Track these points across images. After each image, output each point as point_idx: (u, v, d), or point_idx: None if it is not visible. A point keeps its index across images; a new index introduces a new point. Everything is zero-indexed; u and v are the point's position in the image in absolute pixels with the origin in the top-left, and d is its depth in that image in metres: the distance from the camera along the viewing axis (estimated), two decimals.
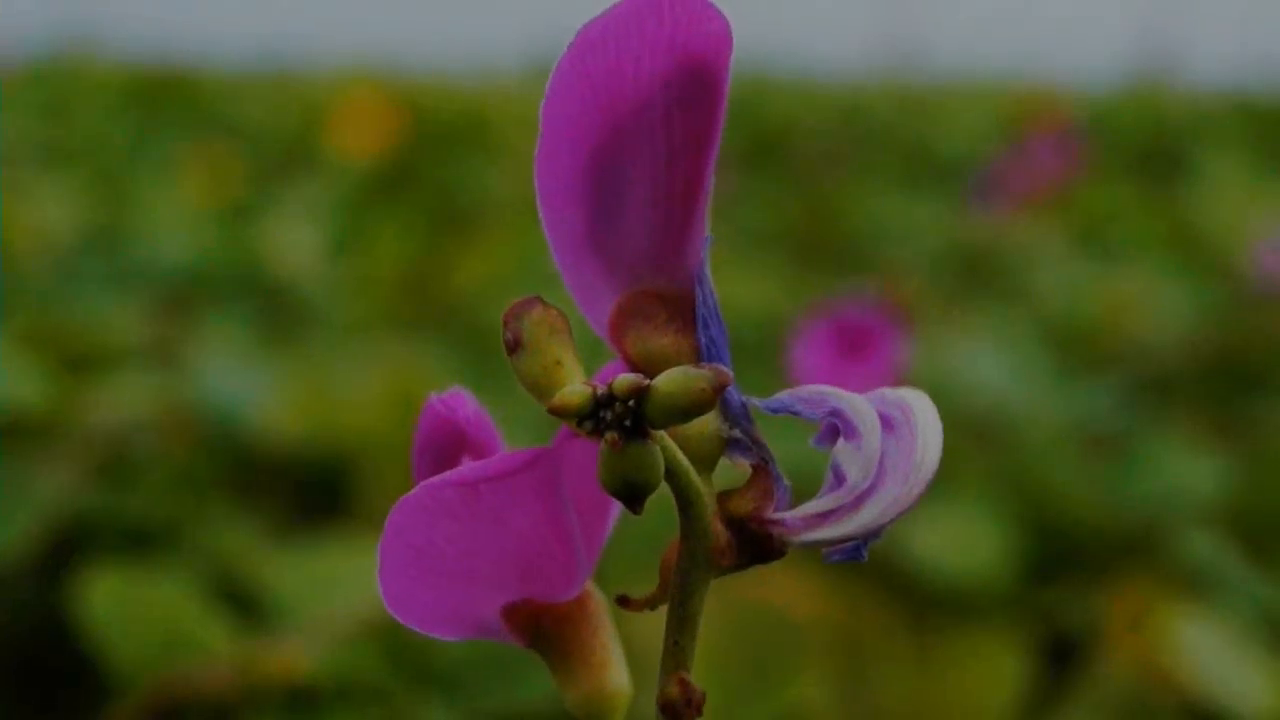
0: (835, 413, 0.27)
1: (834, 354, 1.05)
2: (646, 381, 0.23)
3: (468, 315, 1.60)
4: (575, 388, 0.23)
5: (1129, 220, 2.33)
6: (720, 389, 0.23)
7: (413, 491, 0.27)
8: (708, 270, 0.29)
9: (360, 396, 1.13)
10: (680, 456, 0.26)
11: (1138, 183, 2.70)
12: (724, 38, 0.27)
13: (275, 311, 1.63)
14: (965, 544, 1.03)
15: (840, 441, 0.27)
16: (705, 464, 0.28)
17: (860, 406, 0.27)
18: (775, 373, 1.09)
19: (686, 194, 0.28)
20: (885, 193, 2.55)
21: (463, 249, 1.86)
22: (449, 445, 0.31)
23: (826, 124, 3.26)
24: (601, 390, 0.23)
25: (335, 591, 0.83)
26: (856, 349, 1.05)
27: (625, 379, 0.23)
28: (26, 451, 0.99)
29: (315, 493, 1.11)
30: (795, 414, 0.27)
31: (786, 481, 0.28)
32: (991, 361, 1.37)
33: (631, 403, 0.23)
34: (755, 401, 0.28)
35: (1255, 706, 0.84)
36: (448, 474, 0.27)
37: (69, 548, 0.92)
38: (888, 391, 0.27)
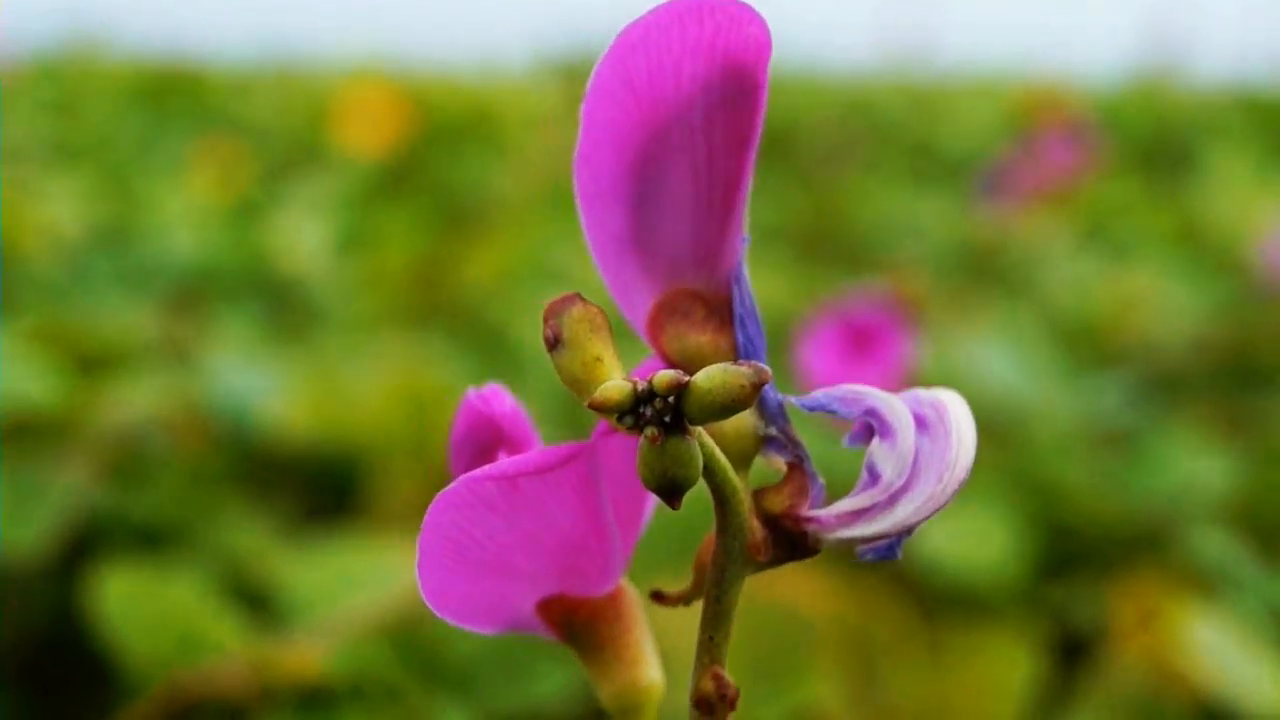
0: (871, 411, 0.27)
1: (842, 352, 1.05)
2: (686, 378, 0.23)
3: (476, 311, 1.61)
4: (616, 383, 0.24)
5: (1136, 216, 2.33)
6: (759, 386, 0.23)
7: (452, 485, 0.27)
8: (745, 270, 0.29)
9: (370, 393, 1.13)
10: (718, 453, 0.26)
11: (1145, 178, 2.70)
12: (764, 40, 0.28)
13: (284, 308, 1.64)
14: (975, 541, 1.03)
15: (875, 440, 0.27)
16: (742, 461, 0.28)
17: (896, 406, 0.27)
18: (783, 369, 1.10)
19: (725, 195, 0.29)
20: (892, 189, 2.55)
21: (470, 245, 1.86)
22: (486, 440, 0.31)
23: (833, 120, 3.25)
24: (642, 386, 0.24)
25: (348, 589, 0.83)
26: (864, 347, 1.05)
27: (666, 375, 0.23)
28: (39, 451, 0.99)
29: (326, 489, 1.11)
30: (832, 412, 0.28)
31: (821, 479, 0.28)
32: (999, 358, 1.37)
33: (671, 399, 0.23)
34: (792, 399, 0.28)
35: (1266, 703, 0.84)
36: (488, 467, 0.27)
37: (82, 547, 0.92)
38: (922, 391, 0.28)
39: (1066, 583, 1.07)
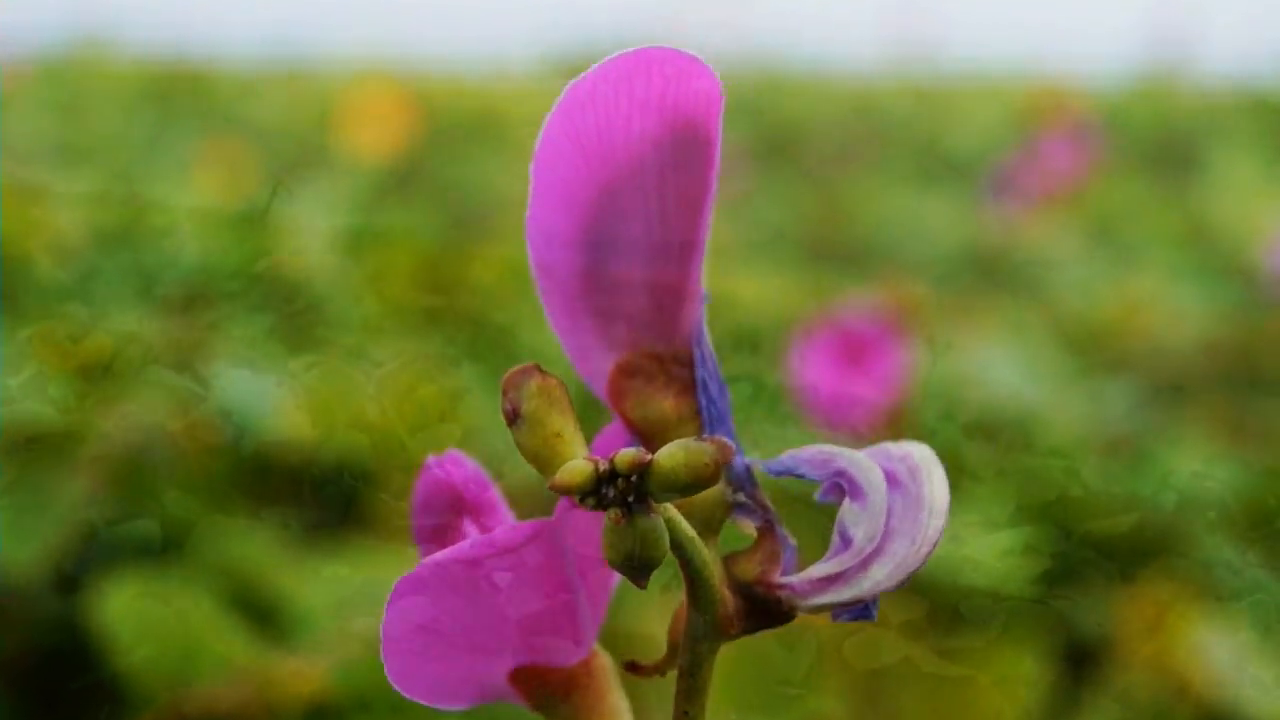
0: (840, 473, 0.27)
1: (836, 363, 1.05)
2: (649, 456, 0.23)
3: (482, 314, 1.60)
4: (577, 464, 0.23)
5: (1143, 218, 2.32)
6: (723, 463, 0.23)
7: (415, 570, 0.27)
8: (705, 330, 0.28)
9: (376, 400, 1.13)
10: (685, 527, 0.25)
11: (1152, 179, 2.69)
12: (714, 96, 0.27)
13: (289, 310, 1.63)
14: (980, 548, 1.03)
15: (846, 502, 0.27)
16: (710, 529, 0.27)
17: (865, 465, 0.27)
18: (788, 372, 1.09)
19: (681, 253, 0.28)
20: (898, 190, 2.55)
21: (478, 246, 1.86)
22: (447, 507, 0.30)
23: (839, 121, 3.25)
24: (603, 466, 0.23)
25: (353, 603, 0.83)
26: (858, 357, 1.05)
27: (627, 454, 0.23)
28: (42, 463, 0.99)
29: (331, 498, 1.10)
30: (799, 475, 0.27)
31: (792, 542, 0.27)
32: (1005, 362, 1.36)
33: (634, 478, 0.23)
34: (759, 464, 0.28)
35: (1273, 711, 0.83)
36: (451, 550, 0.27)
37: (85, 560, 0.92)
38: (892, 446, 0.27)
39: (1073, 589, 1.06)
